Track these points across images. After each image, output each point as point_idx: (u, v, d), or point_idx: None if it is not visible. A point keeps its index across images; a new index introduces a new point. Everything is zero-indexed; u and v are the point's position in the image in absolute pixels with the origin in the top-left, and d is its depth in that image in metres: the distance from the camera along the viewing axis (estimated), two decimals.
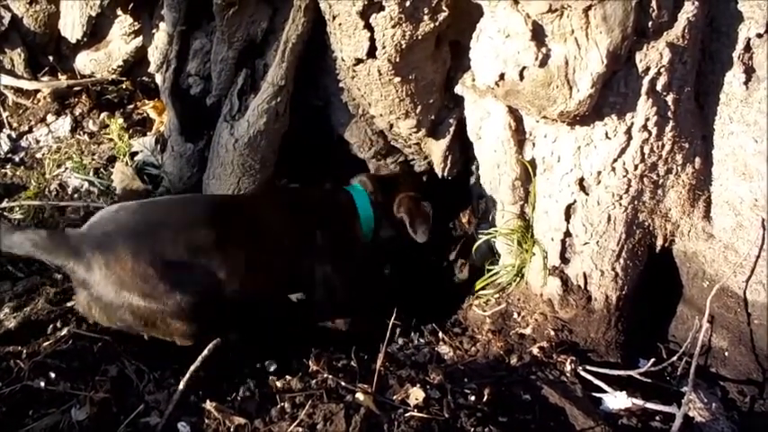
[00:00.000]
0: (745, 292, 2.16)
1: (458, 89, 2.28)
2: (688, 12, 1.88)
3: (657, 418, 2.06)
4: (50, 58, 3.69)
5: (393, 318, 2.12)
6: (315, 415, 1.81)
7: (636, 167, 2.08)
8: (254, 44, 2.70)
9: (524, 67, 1.91)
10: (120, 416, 1.84)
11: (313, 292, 2.41)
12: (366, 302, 2.64)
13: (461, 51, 2.31)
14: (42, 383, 1.92)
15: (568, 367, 2.15)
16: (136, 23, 3.46)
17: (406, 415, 1.83)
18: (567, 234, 2.27)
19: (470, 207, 3.03)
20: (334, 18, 2.24)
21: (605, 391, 2.08)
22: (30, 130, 3.55)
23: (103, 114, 3.60)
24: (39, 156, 3.41)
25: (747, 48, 1.98)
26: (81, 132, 3.55)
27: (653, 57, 1.90)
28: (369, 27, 2.17)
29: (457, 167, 2.78)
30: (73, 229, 2.05)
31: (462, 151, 2.73)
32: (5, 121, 3.55)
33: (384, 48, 2.21)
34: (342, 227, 2.50)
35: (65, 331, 2.12)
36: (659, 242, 2.27)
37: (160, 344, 2.12)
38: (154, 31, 3.39)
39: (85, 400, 1.86)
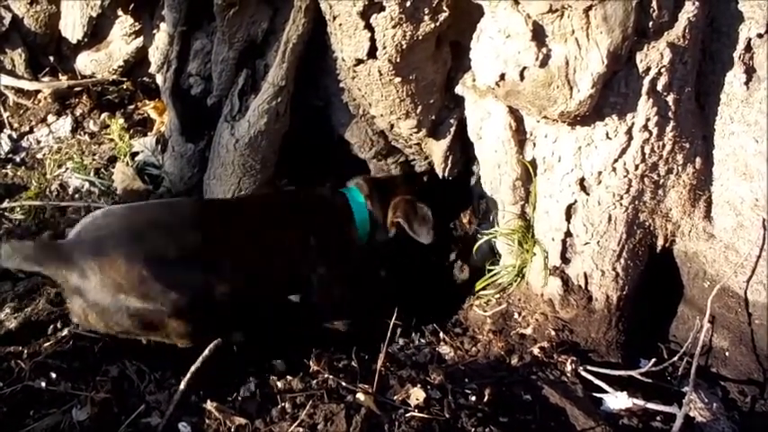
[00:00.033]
0: (745, 292, 2.16)
1: (458, 89, 2.28)
2: (688, 12, 1.88)
3: (658, 418, 2.06)
4: (51, 58, 3.69)
5: (394, 318, 2.12)
6: (315, 415, 1.81)
7: (636, 167, 2.08)
8: (254, 44, 2.70)
9: (525, 68, 1.91)
10: (120, 416, 1.84)
11: (309, 294, 2.41)
12: (364, 304, 2.64)
13: (462, 52, 2.31)
14: (43, 384, 1.92)
15: (569, 367, 2.15)
16: (136, 24, 3.47)
17: (407, 415, 1.84)
18: (568, 234, 2.27)
19: (471, 207, 3.03)
20: (334, 18, 2.24)
21: (606, 392, 2.08)
22: (30, 131, 3.55)
23: (104, 115, 3.60)
24: (39, 156, 3.41)
25: (748, 48, 1.98)
26: (82, 133, 3.55)
27: (653, 57, 1.90)
28: (369, 27, 2.17)
29: (457, 168, 2.78)
30: (58, 237, 2.05)
31: (463, 151, 2.73)
32: (6, 121, 3.55)
33: (384, 48, 2.21)
34: (337, 229, 2.50)
35: (65, 331, 2.12)
36: (660, 242, 2.27)
37: (161, 344, 2.12)
38: (154, 31, 3.39)
39: (86, 401, 1.86)
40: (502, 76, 1.97)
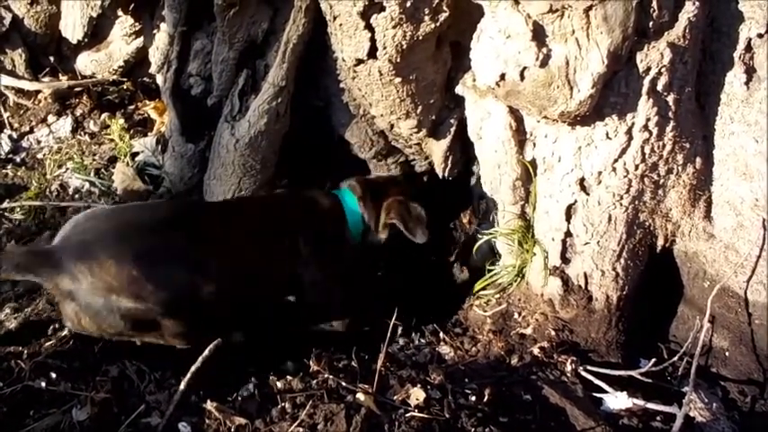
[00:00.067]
0: (745, 292, 2.16)
1: (458, 89, 2.28)
2: (689, 12, 1.88)
3: (658, 418, 2.06)
4: (51, 58, 3.69)
5: (393, 318, 2.12)
6: (315, 415, 1.81)
7: (636, 167, 2.08)
8: (254, 45, 2.70)
9: (525, 68, 1.91)
10: (120, 416, 1.84)
11: (303, 294, 2.40)
12: (360, 304, 2.64)
13: (462, 52, 2.31)
14: (43, 384, 1.92)
15: (569, 367, 2.15)
16: (137, 24, 3.47)
17: (407, 415, 1.84)
18: (568, 234, 2.27)
19: (471, 207, 3.03)
20: (334, 18, 2.24)
21: (606, 392, 2.08)
22: (31, 131, 3.55)
23: (104, 115, 3.60)
24: (40, 156, 3.41)
25: (748, 48, 1.98)
26: (82, 133, 3.55)
27: (654, 57, 1.90)
28: (369, 27, 2.17)
29: (457, 168, 2.78)
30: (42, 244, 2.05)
31: (463, 151, 2.73)
32: (6, 121, 3.55)
33: (385, 48, 2.21)
34: (329, 230, 2.49)
35: (65, 331, 2.12)
36: (660, 242, 2.27)
37: (160, 344, 2.12)
38: (155, 31, 3.39)
39: (86, 401, 1.86)
40: (502, 76, 1.97)
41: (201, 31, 2.90)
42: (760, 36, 1.95)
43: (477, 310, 2.49)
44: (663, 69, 1.91)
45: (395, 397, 1.92)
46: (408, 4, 2.08)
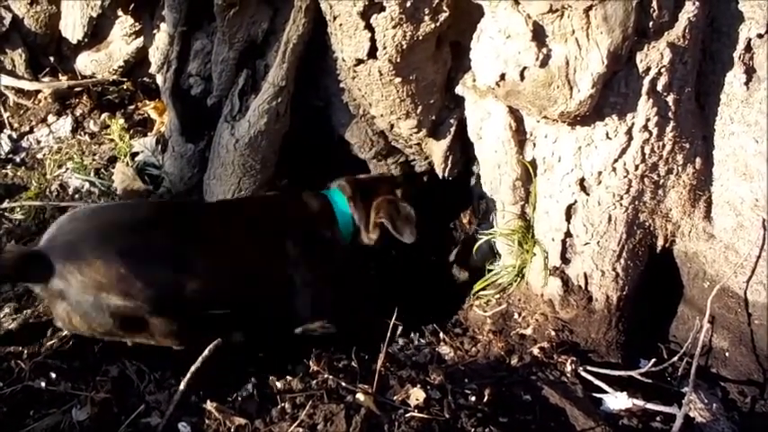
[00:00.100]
0: (745, 293, 2.16)
1: (458, 89, 2.28)
2: (689, 12, 1.88)
3: (658, 418, 2.06)
4: (51, 58, 3.68)
5: (394, 318, 2.12)
6: (315, 415, 1.81)
7: (636, 168, 2.08)
8: (254, 45, 2.70)
9: (525, 68, 1.91)
10: (120, 416, 1.84)
11: (292, 295, 2.37)
12: (351, 305, 2.63)
13: (462, 52, 2.31)
14: (43, 384, 1.92)
15: (569, 368, 2.15)
16: (137, 24, 3.47)
17: (407, 415, 1.84)
18: (568, 234, 2.27)
19: (471, 207, 3.03)
20: (334, 18, 2.24)
21: (606, 392, 2.08)
22: (31, 131, 3.55)
23: (104, 115, 3.60)
24: (39, 156, 3.41)
25: (748, 48, 1.98)
26: (82, 133, 3.55)
27: (654, 57, 1.90)
28: (369, 27, 2.17)
29: (457, 168, 2.78)
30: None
31: (463, 152, 2.73)
32: (6, 121, 3.55)
33: (385, 48, 2.21)
34: (318, 231, 2.47)
35: (65, 331, 2.12)
36: (660, 242, 2.27)
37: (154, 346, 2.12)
38: (155, 31, 3.39)
39: (86, 401, 1.87)
40: (502, 77, 1.97)
41: (201, 31, 2.90)
42: (760, 36, 1.95)
43: (477, 310, 2.49)
44: (663, 69, 1.91)
45: (395, 397, 1.92)
46: (408, 4, 2.08)
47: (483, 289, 2.53)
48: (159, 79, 3.38)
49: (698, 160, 2.12)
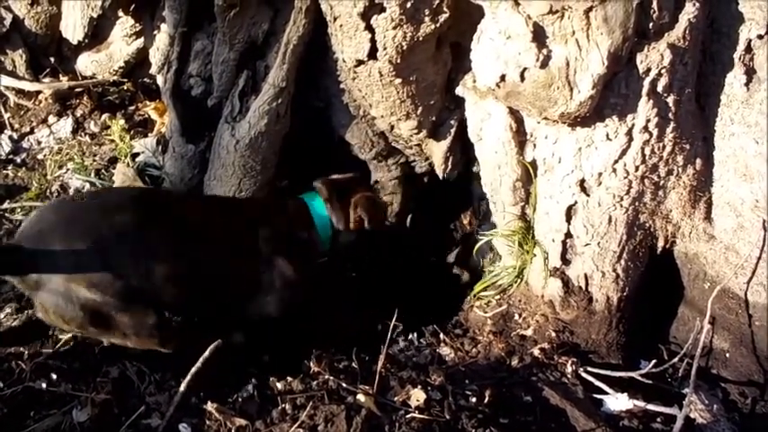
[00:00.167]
0: (746, 294, 2.16)
1: (459, 90, 2.28)
2: (689, 13, 1.88)
3: (658, 419, 2.06)
4: (52, 59, 3.68)
5: (394, 318, 2.12)
6: (316, 416, 1.81)
7: (637, 169, 2.08)
8: (255, 46, 2.70)
9: (525, 69, 1.91)
10: (121, 417, 1.85)
11: (263, 297, 2.30)
12: (330, 307, 2.62)
13: (462, 53, 2.31)
14: (44, 384, 1.93)
15: (569, 369, 2.15)
16: (137, 25, 3.47)
17: (407, 416, 1.84)
18: (568, 235, 2.27)
19: (471, 208, 3.03)
20: (335, 19, 2.24)
21: (606, 393, 2.08)
22: (31, 132, 3.55)
23: (105, 115, 3.60)
24: (40, 157, 3.41)
25: (748, 49, 1.98)
26: (82, 133, 3.55)
27: (654, 58, 1.90)
28: (370, 28, 2.18)
29: (458, 169, 2.78)
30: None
31: (463, 152, 2.73)
32: (7, 122, 3.55)
33: (385, 49, 2.21)
34: (294, 233, 2.42)
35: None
36: (660, 243, 2.27)
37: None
38: (155, 32, 3.39)
39: (87, 402, 1.87)
40: (502, 77, 1.98)
41: (202, 32, 2.90)
42: (760, 37, 1.95)
43: (478, 311, 2.49)
44: (663, 70, 1.91)
45: (395, 398, 1.92)
46: (409, 5, 2.08)
47: (483, 290, 2.53)
48: (160, 80, 3.38)
49: (698, 161, 2.12)
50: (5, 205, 2.99)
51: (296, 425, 1.78)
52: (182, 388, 1.85)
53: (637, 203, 2.16)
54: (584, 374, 2.14)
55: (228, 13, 2.59)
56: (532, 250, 2.38)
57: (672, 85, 1.95)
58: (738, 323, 2.19)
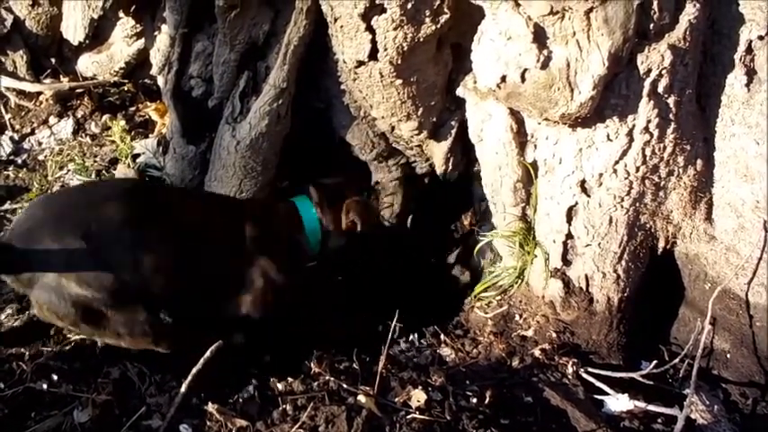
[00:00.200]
0: (746, 294, 2.16)
1: (459, 91, 2.28)
2: (689, 14, 1.88)
3: (659, 420, 2.06)
4: (52, 60, 3.69)
5: (395, 319, 2.12)
6: (317, 417, 1.81)
7: (637, 169, 2.08)
8: (255, 46, 2.70)
9: (526, 70, 1.92)
10: (122, 418, 1.84)
11: (243, 296, 2.26)
12: (316, 311, 2.62)
13: (463, 54, 2.31)
14: (45, 385, 1.92)
15: (570, 369, 2.15)
16: (138, 26, 3.47)
17: (408, 417, 1.84)
18: (569, 236, 2.27)
19: (472, 209, 3.03)
20: (335, 20, 2.25)
21: (607, 394, 2.08)
22: (32, 132, 3.56)
23: (105, 116, 3.60)
24: (41, 158, 3.41)
25: (749, 50, 1.98)
26: (83, 134, 3.55)
27: (654, 59, 1.90)
28: (370, 29, 2.18)
29: (458, 169, 2.78)
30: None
31: (464, 153, 2.73)
32: (8, 123, 3.55)
33: (386, 50, 2.21)
34: (282, 236, 2.40)
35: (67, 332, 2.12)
36: (661, 244, 2.27)
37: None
38: (156, 33, 3.39)
39: (88, 402, 1.87)
40: (503, 78, 1.98)
41: (202, 33, 2.91)
42: (761, 38, 1.95)
43: (479, 311, 2.49)
44: (663, 71, 1.91)
45: (396, 399, 1.92)
46: (409, 6, 2.08)
47: (484, 291, 2.53)
48: (160, 81, 3.39)
49: (699, 162, 2.12)
50: (6, 206, 2.99)
51: (297, 425, 1.78)
52: (182, 389, 1.85)
53: (637, 204, 2.16)
54: (584, 375, 2.14)
55: (229, 13, 2.59)
56: (533, 251, 2.38)
57: (672, 85, 1.95)
58: (739, 324, 2.19)
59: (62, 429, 1.80)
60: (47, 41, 3.60)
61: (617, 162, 2.07)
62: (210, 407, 1.85)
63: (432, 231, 3.11)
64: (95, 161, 3.32)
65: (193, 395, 1.90)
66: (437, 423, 1.83)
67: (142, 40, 3.51)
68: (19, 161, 3.41)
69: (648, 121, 1.99)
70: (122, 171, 3.14)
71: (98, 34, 3.57)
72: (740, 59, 1.99)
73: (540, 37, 1.86)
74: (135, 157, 3.25)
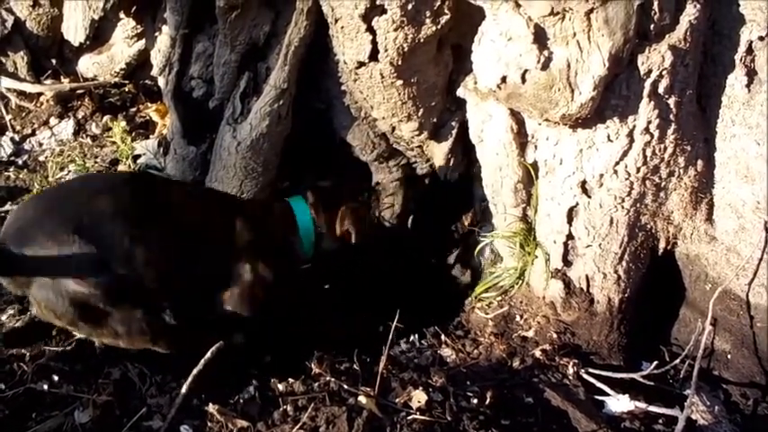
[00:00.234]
0: (747, 295, 2.15)
1: (460, 92, 2.29)
2: (690, 14, 1.88)
3: (660, 421, 2.06)
4: (53, 61, 3.69)
5: (396, 320, 2.12)
6: (317, 418, 1.81)
7: (638, 170, 2.08)
8: (256, 47, 2.70)
9: (526, 70, 1.92)
10: (122, 419, 1.84)
11: (236, 294, 2.25)
12: (317, 312, 2.62)
13: (463, 54, 2.32)
14: (45, 386, 1.92)
15: (571, 370, 2.15)
16: (138, 27, 3.47)
17: (409, 418, 1.84)
18: (570, 237, 2.27)
19: (472, 210, 3.03)
20: (336, 21, 2.25)
21: (608, 394, 2.08)
22: (33, 133, 3.56)
23: (106, 117, 3.60)
24: (42, 159, 3.42)
25: (749, 50, 1.98)
26: (84, 135, 3.56)
27: (655, 59, 1.90)
28: (371, 30, 2.18)
29: (459, 170, 2.78)
30: None
31: (464, 154, 2.73)
32: (9, 124, 3.55)
33: (386, 51, 2.21)
34: (274, 235, 2.39)
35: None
36: (662, 245, 2.27)
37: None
38: (156, 34, 3.39)
39: (88, 403, 1.87)
40: (503, 79, 1.98)
41: (203, 34, 2.91)
42: (761, 39, 1.95)
43: (479, 312, 2.49)
44: (664, 72, 1.92)
45: (396, 399, 1.92)
46: (410, 7, 2.09)
47: (485, 291, 2.53)
48: (161, 82, 3.39)
49: (699, 163, 2.12)
50: (7, 207, 2.99)
51: (297, 426, 1.78)
52: (183, 389, 1.85)
53: (638, 205, 2.16)
54: (585, 376, 2.14)
55: (230, 14, 2.59)
56: (534, 252, 2.38)
57: (673, 86, 1.95)
58: (740, 324, 2.19)
59: (63, 430, 1.80)
60: (47, 42, 3.61)
61: (617, 163, 2.07)
62: (211, 407, 1.85)
63: (432, 232, 3.11)
64: (96, 162, 3.32)
65: (194, 396, 1.90)
66: (438, 424, 1.83)
67: (143, 41, 3.51)
68: (20, 162, 3.41)
69: (649, 122, 1.99)
70: None
71: (99, 35, 3.57)
72: (741, 60, 1.99)
73: (540, 38, 1.86)
74: (136, 157, 3.25)
